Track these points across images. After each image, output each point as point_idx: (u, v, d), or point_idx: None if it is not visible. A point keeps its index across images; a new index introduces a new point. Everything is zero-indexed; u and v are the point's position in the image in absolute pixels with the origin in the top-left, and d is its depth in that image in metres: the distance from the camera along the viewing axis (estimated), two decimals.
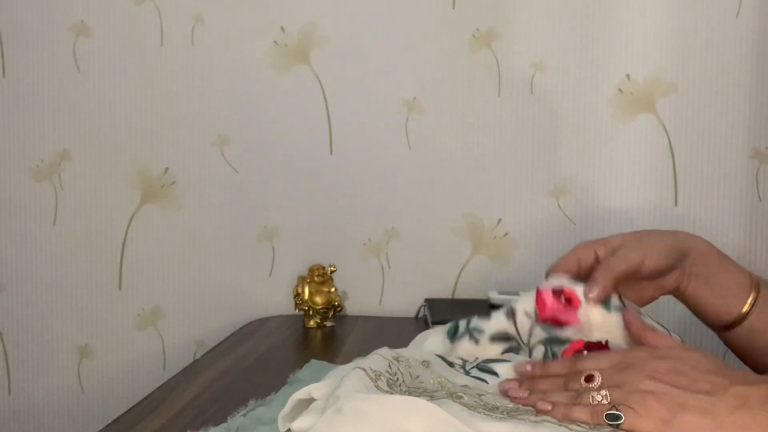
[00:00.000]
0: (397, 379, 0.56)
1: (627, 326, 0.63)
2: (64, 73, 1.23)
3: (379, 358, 0.58)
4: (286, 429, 0.56)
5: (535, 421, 0.52)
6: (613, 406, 0.54)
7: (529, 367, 0.61)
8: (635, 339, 0.62)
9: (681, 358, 0.56)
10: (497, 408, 0.54)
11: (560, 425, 0.52)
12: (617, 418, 0.53)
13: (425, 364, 0.61)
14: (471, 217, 1.20)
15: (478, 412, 0.52)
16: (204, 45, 1.21)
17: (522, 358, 0.63)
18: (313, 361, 0.83)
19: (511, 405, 0.56)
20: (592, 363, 0.59)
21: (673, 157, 1.16)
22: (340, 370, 0.57)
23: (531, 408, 0.55)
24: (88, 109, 1.23)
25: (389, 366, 0.57)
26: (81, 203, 1.25)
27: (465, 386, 0.58)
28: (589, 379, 0.57)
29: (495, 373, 0.61)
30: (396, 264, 1.21)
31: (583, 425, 0.53)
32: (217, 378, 0.86)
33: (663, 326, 0.65)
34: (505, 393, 0.58)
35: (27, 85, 1.24)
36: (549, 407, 0.55)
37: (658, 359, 0.56)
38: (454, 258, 1.20)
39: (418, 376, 0.58)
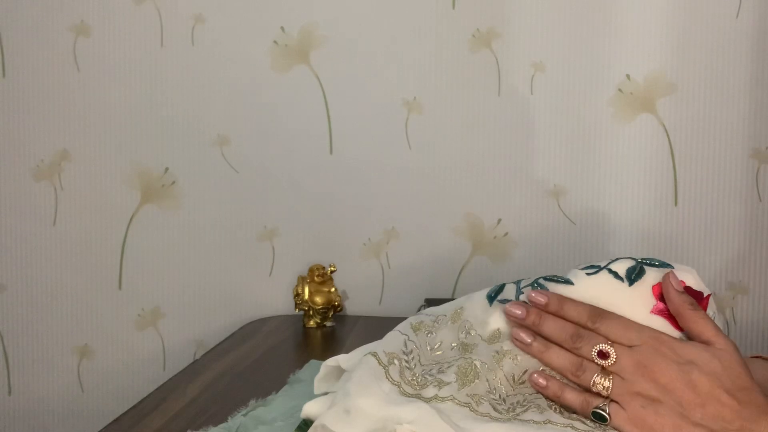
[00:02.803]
0: (413, 357, 0.56)
1: (665, 293, 0.55)
2: (64, 72, 1.23)
3: (396, 335, 0.58)
4: (321, 392, 0.60)
5: (540, 423, 0.52)
6: (608, 399, 0.53)
7: (544, 300, 0.56)
8: (673, 311, 0.55)
9: (703, 369, 0.51)
10: (505, 401, 0.54)
11: (564, 427, 0.52)
12: (602, 419, 0.52)
13: (456, 316, 0.59)
14: (471, 217, 1.20)
15: (483, 414, 0.52)
16: (204, 45, 1.21)
17: None
18: (313, 361, 0.83)
19: (520, 393, 0.55)
20: (615, 329, 0.54)
21: (673, 157, 1.16)
22: (359, 351, 0.58)
23: (536, 403, 0.54)
24: (88, 109, 1.23)
25: (405, 344, 0.57)
26: (81, 203, 1.25)
27: (494, 334, 0.57)
28: (603, 355, 0.53)
29: (566, 281, 0.57)
30: (396, 264, 1.21)
31: (588, 425, 0.53)
32: (217, 378, 0.86)
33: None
34: (508, 315, 0.56)
35: (27, 85, 1.24)
36: (544, 383, 0.54)
37: (678, 364, 0.52)
38: (454, 258, 1.20)
39: (440, 344, 0.57)
